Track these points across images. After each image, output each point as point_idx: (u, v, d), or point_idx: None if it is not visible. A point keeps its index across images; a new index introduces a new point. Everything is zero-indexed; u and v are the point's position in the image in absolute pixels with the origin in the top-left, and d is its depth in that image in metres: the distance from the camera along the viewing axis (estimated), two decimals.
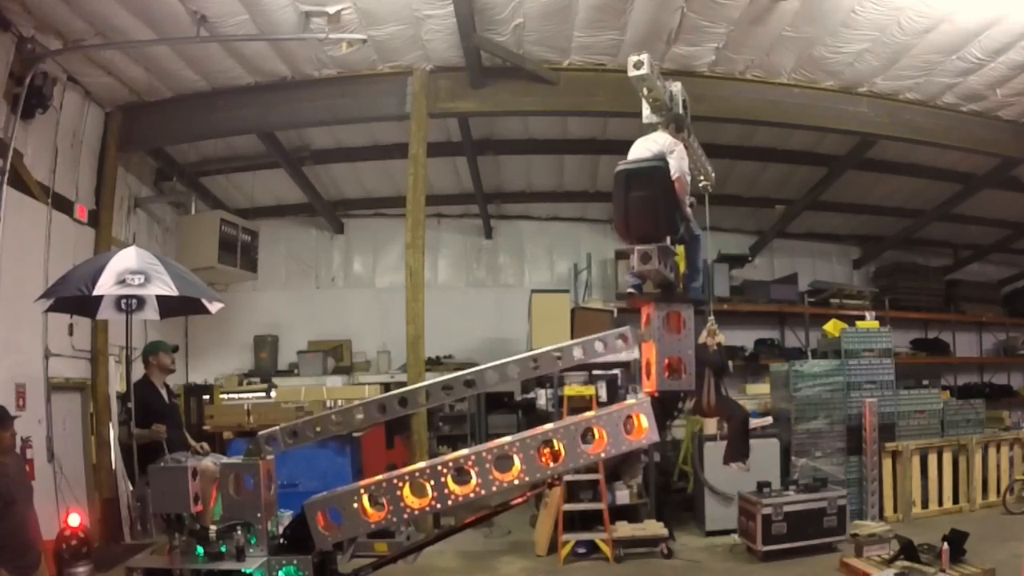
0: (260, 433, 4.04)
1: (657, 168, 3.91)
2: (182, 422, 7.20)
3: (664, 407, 4.17)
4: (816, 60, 8.48)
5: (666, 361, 3.99)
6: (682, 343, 4.02)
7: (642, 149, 4.24)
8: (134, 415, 5.79)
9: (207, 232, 10.16)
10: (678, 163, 4.13)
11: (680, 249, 4.27)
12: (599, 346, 4.01)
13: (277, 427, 4.01)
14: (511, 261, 13.49)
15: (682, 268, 4.32)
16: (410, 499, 3.79)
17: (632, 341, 4.07)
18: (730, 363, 7.66)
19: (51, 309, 5.79)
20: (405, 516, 3.81)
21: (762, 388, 10.43)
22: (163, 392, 6.57)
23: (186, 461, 4.14)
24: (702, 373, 6.40)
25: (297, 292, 12.79)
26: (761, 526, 7.22)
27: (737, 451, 7.08)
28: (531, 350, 4.55)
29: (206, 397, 9.83)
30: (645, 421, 3.90)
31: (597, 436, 3.83)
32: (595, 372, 8.45)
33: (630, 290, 4.29)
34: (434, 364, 10.21)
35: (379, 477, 3.78)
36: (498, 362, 3.87)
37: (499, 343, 11.49)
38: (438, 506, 3.74)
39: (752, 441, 8.45)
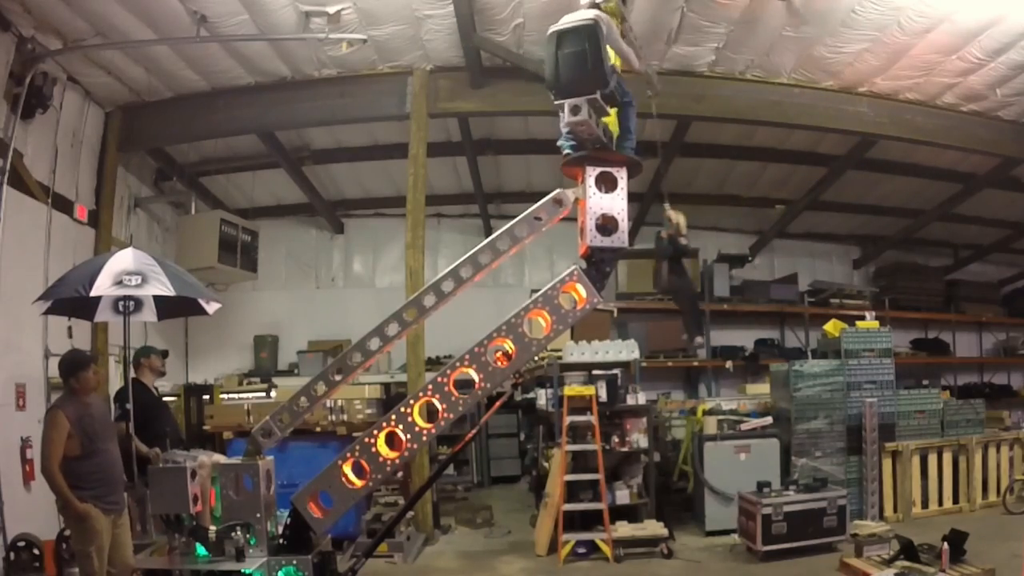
0: (254, 430, 4.06)
1: (586, 26, 4.03)
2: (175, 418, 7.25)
3: (598, 267, 4.24)
4: (816, 60, 8.48)
5: (599, 219, 4.06)
6: (615, 201, 4.08)
7: (572, 17, 4.28)
8: (122, 411, 5.81)
9: (207, 232, 10.15)
10: (607, 27, 4.18)
11: (613, 113, 4.40)
12: (542, 215, 4.07)
13: (266, 418, 4.05)
14: (511, 261, 13.41)
15: (616, 132, 4.46)
16: (386, 451, 3.87)
17: (568, 202, 4.14)
18: (686, 243, 7.87)
19: (49, 311, 5.77)
20: (388, 469, 3.89)
21: (762, 388, 10.42)
22: (154, 391, 6.59)
23: (184, 461, 4.14)
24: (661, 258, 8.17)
25: (297, 292, 12.80)
26: (761, 526, 7.21)
27: (691, 326, 8.57)
28: None
29: (206, 397, 9.82)
30: (582, 289, 3.98)
31: (543, 322, 3.93)
32: (595, 372, 8.44)
33: (566, 152, 4.34)
34: (434, 364, 10.19)
35: (351, 445, 3.90)
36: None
37: None
38: (414, 446, 3.83)
39: (752, 441, 8.59)
